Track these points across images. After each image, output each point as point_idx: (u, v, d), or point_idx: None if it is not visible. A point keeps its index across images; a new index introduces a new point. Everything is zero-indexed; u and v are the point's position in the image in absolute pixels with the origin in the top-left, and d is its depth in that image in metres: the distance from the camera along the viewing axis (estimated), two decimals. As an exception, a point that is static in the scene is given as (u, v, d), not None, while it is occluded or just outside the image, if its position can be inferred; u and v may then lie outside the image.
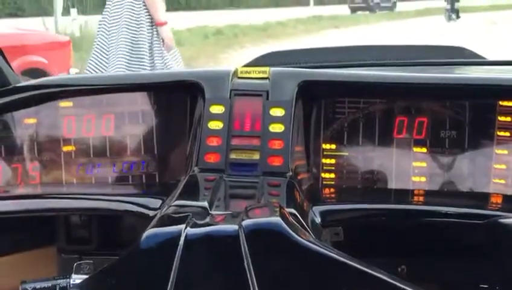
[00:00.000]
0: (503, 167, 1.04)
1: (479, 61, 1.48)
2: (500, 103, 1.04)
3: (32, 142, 1.09)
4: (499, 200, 1.03)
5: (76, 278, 0.92)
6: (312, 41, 10.96)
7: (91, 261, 0.96)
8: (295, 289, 0.67)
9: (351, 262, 0.69)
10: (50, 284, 0.91)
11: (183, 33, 10.73)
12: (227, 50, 10.76)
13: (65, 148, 1.09)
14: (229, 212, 0.82)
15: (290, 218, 0.77)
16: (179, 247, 0.68)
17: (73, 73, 4.57)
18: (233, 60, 9.33)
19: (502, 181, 1.04)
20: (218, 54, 10.04)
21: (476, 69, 1.42)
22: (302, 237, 0.70)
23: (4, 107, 1.07)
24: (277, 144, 0.99)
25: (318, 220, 0.94)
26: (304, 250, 0.69)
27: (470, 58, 1.49)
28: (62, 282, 0.92)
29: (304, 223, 0.84)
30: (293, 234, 0.69)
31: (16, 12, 16.12)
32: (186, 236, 0.69)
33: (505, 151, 1.04)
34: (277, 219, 0.70)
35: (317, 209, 0.96)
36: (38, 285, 0.91)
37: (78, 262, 0.95)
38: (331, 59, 1.45)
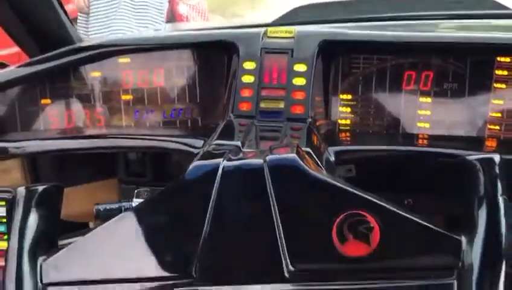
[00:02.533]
0: (499, 115, 1.15)
1: (501, 13, 1.54)
2: (498, 58, 1.14)
3: (98, 92, 1.26)
4: (494, 144, 1.15)
5: (137, 202, 1.11)
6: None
7: (148, 189, 1.17)
8: (308, 213, 0.83)
9: (358, 192, 0.80)
10: (117, 206, 1.12)
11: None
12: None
13: (124, 97, 1.25)
14: (257, 150, 0.95)
15: (306, 155, 0.91)
16: (217, 176, 0.84)
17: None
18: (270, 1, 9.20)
19: (497, 127, 1.15)
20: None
21: (496, 21, 1.48)
22: (313, 170, 0.85)
23: (74, 63, 1.25)
24: (299, 95, 1.13)
25: (332, 158, 1.08)
26: (315, 181, 0.83)
27: (493, 10, 1.57)
28: (126, 204, 1.12)
29: (318, 161, 0.98)
30: (306, 167, 0.84)
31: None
32: (223, 168, 0.84)
33: (501, 102, 1.14)
34: (293, 156, 0.85)
35: (332, 149, 1.10)
36: (108, 206, 1.12)
37: (138, 189, 1.15)
38: (353, 12, 1.57)
